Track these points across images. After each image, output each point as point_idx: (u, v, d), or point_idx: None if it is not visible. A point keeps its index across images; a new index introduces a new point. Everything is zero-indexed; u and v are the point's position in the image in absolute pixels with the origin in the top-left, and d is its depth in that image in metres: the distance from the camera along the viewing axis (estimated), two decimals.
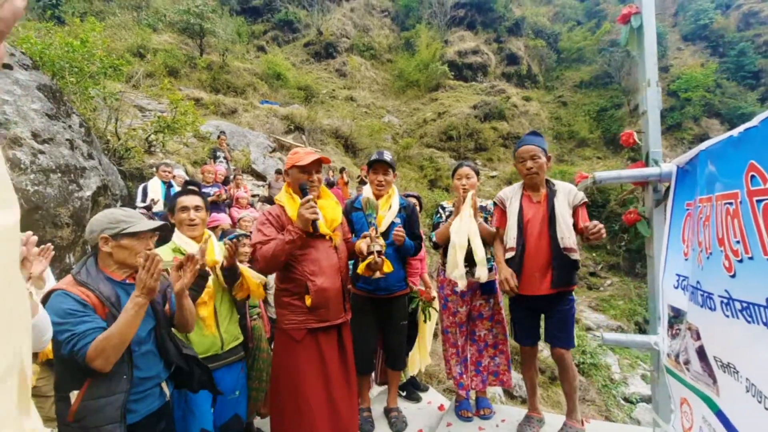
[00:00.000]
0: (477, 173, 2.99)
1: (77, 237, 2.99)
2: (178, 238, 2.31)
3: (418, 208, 3.59)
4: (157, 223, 1.74)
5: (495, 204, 2.80)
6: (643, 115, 1.85)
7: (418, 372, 4.55)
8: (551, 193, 2.50)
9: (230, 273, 2.26)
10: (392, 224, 2.74)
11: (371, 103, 29.09)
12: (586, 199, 2.49)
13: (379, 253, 2.22)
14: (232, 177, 8.15)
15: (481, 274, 2.60)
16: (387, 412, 2.89)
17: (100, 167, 3.60)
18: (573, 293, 2.43)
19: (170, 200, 2.43)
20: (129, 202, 5.18)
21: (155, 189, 5.17)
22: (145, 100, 14.83)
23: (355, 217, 2.73)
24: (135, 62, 19.00)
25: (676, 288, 1.54)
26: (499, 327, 2.80)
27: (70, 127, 3.39)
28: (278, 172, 11.05)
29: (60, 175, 2.98)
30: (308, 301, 2.18)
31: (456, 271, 2.55)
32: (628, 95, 27.99)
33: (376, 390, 3.42)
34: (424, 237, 3.22)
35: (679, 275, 1.54)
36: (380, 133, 24.20)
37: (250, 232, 5.35)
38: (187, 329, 1.91)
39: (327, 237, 2.29)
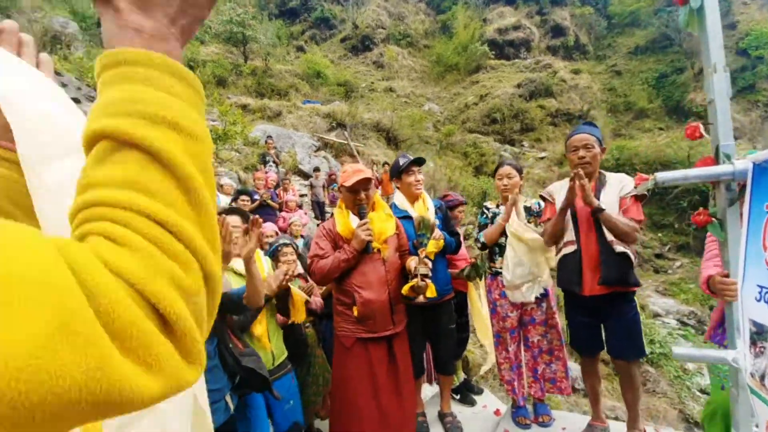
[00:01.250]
0: (520, 171, 2.85)
1: None
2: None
3: (463, 212, 3.56)
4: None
5: (544, 198, 2.67)
6: (710, 104, 1.66)
7: (473, 371, 4.50)
8: (600, 185, 2.35)
9: (281, 298, 2.41)
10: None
11: (410, 92, 28.77)
12: (638, 191, 2.27)
13: (425, 276, 2.17)
14: (280, 181, 8.47)
15: (530, 294, 2.52)
16: (441, 417, 2.90)
17: None
18: (634, 297, 2.25)
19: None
20: None
21: (223, 205, 5.65)
22: None
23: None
24: None
25: (759, 301, 1.39)
26: (553, 332, 2.68)
27: None
28: (316, 170, 11.31)
29: None
30: (355, 311, 2.26)
31: (517, 293, 2.52)
32: (692, 58, 25.32)
33: (429, 391, 3.43)
34: (461, 234, 3.17)
35: (761, 287, 1.39)
36: (421, 123, 23.92)
37: (301, 236, 5.58)
38: (257, 300, 2.00)
39: (375, 250, 2.31)
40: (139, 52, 0.39)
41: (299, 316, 2.49)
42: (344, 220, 2.35)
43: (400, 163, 2.77)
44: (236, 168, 10.13)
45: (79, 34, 15.35)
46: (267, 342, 2.34)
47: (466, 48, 29.64)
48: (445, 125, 25.92)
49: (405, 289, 2.23)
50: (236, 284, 2.36)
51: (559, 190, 2.52)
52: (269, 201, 6.14)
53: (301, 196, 11.50)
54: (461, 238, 2.97)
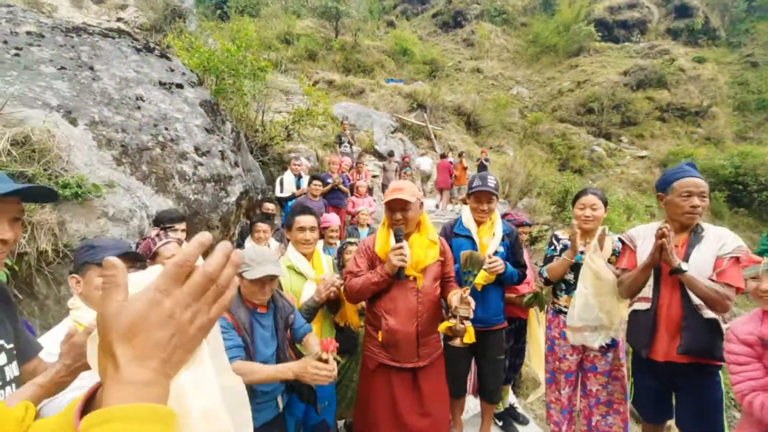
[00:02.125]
0: (605, 203, 2.55)
1: (224, 237, 3.60)
2: (293, 255, 2.53)
3: (529, 234, 3.29)
4: (270, 271, 1.88)
5: (622, 242, 2.37)
6: None
7: (523, 386, 4.32)
8: (694, 239, 2.00)
9: (333, 303, 2.44)
10: (496, 253, 2.55)
11: (499, 74, 27.18)
12: (742, 254, 1.89)
13: (465, 318, 1.96)
14: (354, 164, 8.65)
15: (596, 341, 2.28)
16: None
17: (243, 174, 4.20)
18: (719, 372, 1.94)
19: (287, 218, 2.62)
20: (270, 192, 6.06)
21: (289, 181, 6.02)
22: (289, 84, 16.60)
23: (455, 243, 2.59)
24: (282, 48, 21.31)
25: None
26: (616, 384, 2.44)
27: (222, 139, 4.03)
28: (390, 154, 11.30)
29: (213, 184, 3.59)
30: (380, 336, 2.17)
31: (578, 336, 2.31)
32: None
33: (472, 405, 3.36)
34: (528, 266, 2.87)
35: None
36: (506, 108, 22.59)
37: (368, 225, 5.70)
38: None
39: (411, 278, 2.14)
40: (128, 407, 0.40)
41: (353, 319, 2.53)
42: (383, 239, 2.21)
43: (473, 185, 2.58)
44: (315, 146, 10.56)
45: (193, 7, 16.79)
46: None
47: (569, 28, 26.97)
48: (532, 112, 24.19)
49: (442, 327, 2.05)
50: (297, 282, 2.48)
51: (642, 236, 2.21)
52: (340, 186, 6.33)
53: (374, 177, 11.67)
54: (527, 270, 2.72)
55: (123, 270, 0.48)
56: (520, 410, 3.29)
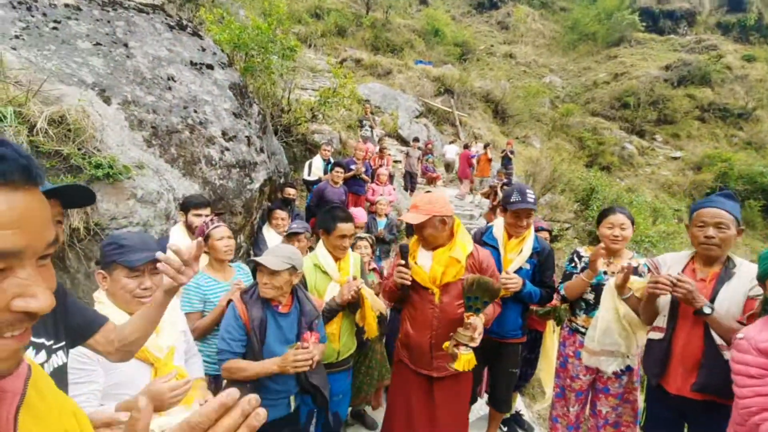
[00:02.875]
0: (633, 222, 2.46)
1: (246, 222, 3.66)
2: (321, 255, 2.48)
3: (548, 241, 3.18)
4: (276, 265, 1.89)
5: (648, 268, 2.30)
6: None
7: (527, 392, 4.34)
8: (725, 275, 1.91)
9: (353, 305, 2.46)
10: (520, 270, 2.50)
11: (532, 60, 26.21)
12: None
13: (462, 345, 1.93)
14: (376, 150, 8.59)
15: (611, 365, 2.25)
16: None
17: (268, 160, 4.23)
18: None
19: (327, 221, 2.48)
20: (293, 175, 6.13)
21: (318, 166, 6.14)
22: (317, 60, 16.44)
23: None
24: (311, 22, 21.02)
25: None
26: (627, 407, 2.42)
27: (249, 124, 4.04)
28: (415, 140, 11.16)
29: (238, 169, 3.63)
30: (401, 336, 2.30)
31: (593, 359, 2.28)
32: None
33: (477, 408, 3.41)
34: (556, 286, 2.80)
35: None
36: (536, 97, 21.85)
37: (386, 215, 5.70)
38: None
39: (430, 291, 2.12)
40: None
41: (372, 326, 2.53)
42: (413, 249, 2.23)
43: (511, 199, 2.46)
44: (339, 127, 10.51)
45: None
46: (337, 340, 2.50)
47: (611, 15, 25.62)
48: (564, 103, 23.34)
49: (445, 345, 2.04)
50: (321, 281, 2.49)
51: (667, 264, 2.13)
52: (362, 176, 6.33)
53: (395, 162, 11.59)
54: (553, 293, 2.63)
55: (148, 412, 0.53)
56: (525, 417, 3.32)
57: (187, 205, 2.86)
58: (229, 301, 2.04)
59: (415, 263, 2.16)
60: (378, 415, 3.16)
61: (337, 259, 2.49)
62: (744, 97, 20.78)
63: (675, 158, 20.09)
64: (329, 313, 2.34)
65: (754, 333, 1.57)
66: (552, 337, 3.13)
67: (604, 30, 25.85)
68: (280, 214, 3.71)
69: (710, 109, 20.94)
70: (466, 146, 11.77)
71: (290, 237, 3.21)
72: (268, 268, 1.88)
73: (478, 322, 1.97)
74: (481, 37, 27.12)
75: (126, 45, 3.91)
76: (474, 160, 11.28)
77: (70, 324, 1.19)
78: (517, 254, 2.50)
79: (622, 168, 19.93)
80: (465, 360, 1.95)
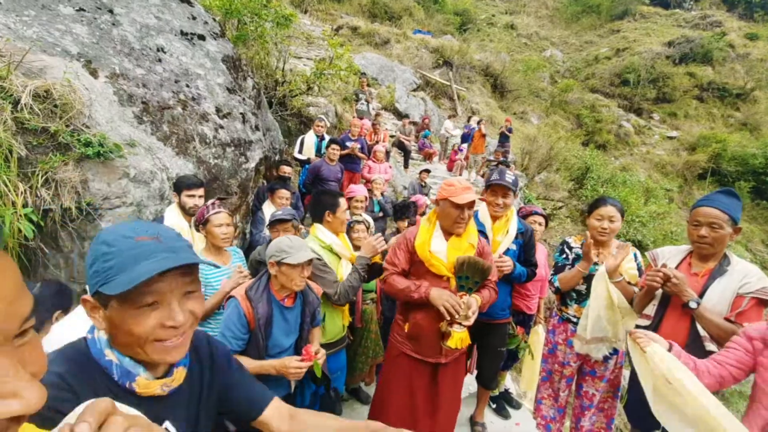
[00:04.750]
0: (623, 215, 2.48)
1: (242, 202, 3.61)
2: (327, 237, 2.45)
3: (543, 226, 3.23)
4: (311, 255, 1.94)
5: (635, 256, 2.35)
6: None
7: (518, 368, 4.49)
8: (717, 271, 1.95)
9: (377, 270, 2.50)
10: (508, 251, 2.53)
11: (534, 32, 25.52)
12: (767, 296, 1.83)
13: (456, 323, 1.96)
14: (371, 124, 8.42)
15: (600, 351, 2.32)
16: (472, 423, 3.01)
17: (263, 138, 4.12)
18: None
19: (329, 202, 2.49)
20: (288, 150, 5.99)
21: (310, 144, 5.95)
22: (312, 28, 15.82)
23: None
24: None
25: None
26: (610, 388, 2.52)
27: (243, 100, 3.91)
28: (406, 116, 10.96)
29: (233, 148, 3.54)
30: (406, 327, 2.21)
31: (585, 347, 2.33)
32: None
33: (467, 384, 3.51)
34: (544, 263, 2.86)
35: None
36: (536, 71, 21.45)
37: (382, 194, 5.67)
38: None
39: (445, 278, 2.11)
40: None
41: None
42: (425, 235, 2.14)
43: (491, 177, 2.54)
44: (335, 100, 10.25)
45: None
46: (347, 316, 2.63)
47: None
48: (563, 78, 22.94)
49: (443, 325, 2.05)
50: (332, 262, 2.48)
51: (666, 257, 2.17)
52: (358, 153, 6.24)
53: (391, 136, 11.41)
54: (536, 269, 2.70)
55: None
56: (514, 395, 3.45)
57: (179, 186, 2.80)
58: (230, 297, 2.01)
59: (429, 252, 2.13)
60: (371, 390, 3.26)
61: (338, 234, 2.53)
62: (744, 77, 20.59)
63: (671, 138, 20.07)
64: (365, 272, 2.39)
65: (754, 325, 1.65)
66: (537, 336, 3.24)
67: (609, 2, 25.14)
68: (285, 193, 3.67)
69: (709, 89, 20.77)
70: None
71: (276, 224, 2.83)
72: (302, 263, 1.89)
73: (472, 301, 2.01)
74: (482, 6, 26.24)
75: (111, 11, 3.70)
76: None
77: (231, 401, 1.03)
78: (505, 236, 2.52)
79: (618, 147, 19.90)
80: (458, 338, 2.00)
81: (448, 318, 1.98)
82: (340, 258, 2.51)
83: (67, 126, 2.74)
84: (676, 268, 2.10)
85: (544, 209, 3.44)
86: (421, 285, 2.08)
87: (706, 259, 2.04)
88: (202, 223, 2.36)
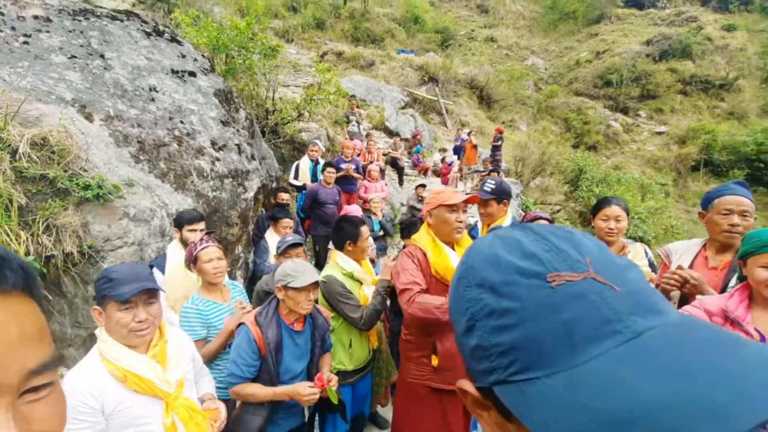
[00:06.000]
0: (627, 212, 2.48)
1: (243, 233, 3.61)
2: (347, 264, 2.44)
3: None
4: (316, 278, 1.93)
5: (646, 253, 2.33)
6: None
7: None
8: (736, 264, 1.92)
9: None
10: None
11: (514, 43, 26.14)
12: None
13: None
14: (364, 144, 8.52)
15: None
16: None
17: (260, 167, 4.15)
18: None
19: (350, 232, 2.48)
20: (285, 177, 6.03)
21: (305, 169, 6.00)
22: (297, 56, 16.18)
23: None
24: (289, 16, 20.61)
25: None
26: None
27: (238, 131, 3.95)
28: (396, 134, 11.13)
29: (231, 179, 3.56)
30: (435, 361, 2.00)
31: None
32: None
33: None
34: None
35: None
36: (520, 80, 21.87)
37: (381, 212, 5.67)
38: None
39: None
40: None
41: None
42: (440, 254, 2.03)
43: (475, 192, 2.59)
44: (326, 124, 10.39)
45: None
46: (375, 340, 2.62)
47: None
48: (547, 85, 23.39)
49: None
50: (353, 288, 2.43)
51: (679, 252, 2.15)
52: (353, 174, 6.28)
53: (384, 154, 11.52)
54: None
55: None
56: None
57: (180, 221, 2.80)
58: (239, 324, 1.99)
59: (450, 267, 2.01)
60: (387, 413, 3.18)
61: (359, 261, 2.52)
62: (725, 68, 21.03)
63: (659, 133, 20.34)
64: (386, 291, 2.38)
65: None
66: None
67: (584, 7, 25.86)
68: (288, 222, 3.65)
69: (692, 82, 21.18)
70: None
71: (289, 249, 2.80)
72: (308, 284, 1.88)
73: None
74: (461, 22, 26.93)
75: (102, 56, 3.78)
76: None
77: None
78: None
79: (608, 146, 20.13)
80: None
81: None
82: (361, 284, 2.49)
83: (65, 171, 2.76)
84: (691, 263, 2.06)
85: (551, 219, 3.40)
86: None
87: (724, 250, 2.00)
88: (192, 262, 2.25)
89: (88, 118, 3.22)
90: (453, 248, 2.12)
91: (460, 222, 2.06)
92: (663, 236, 12.07)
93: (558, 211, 12.26)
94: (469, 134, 11.14)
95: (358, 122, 9.95)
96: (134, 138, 3.26)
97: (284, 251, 2.77)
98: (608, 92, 22.33)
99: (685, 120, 20.18)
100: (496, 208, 2.62)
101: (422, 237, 2.16)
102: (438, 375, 2.03)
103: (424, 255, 2.08)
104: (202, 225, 2.87)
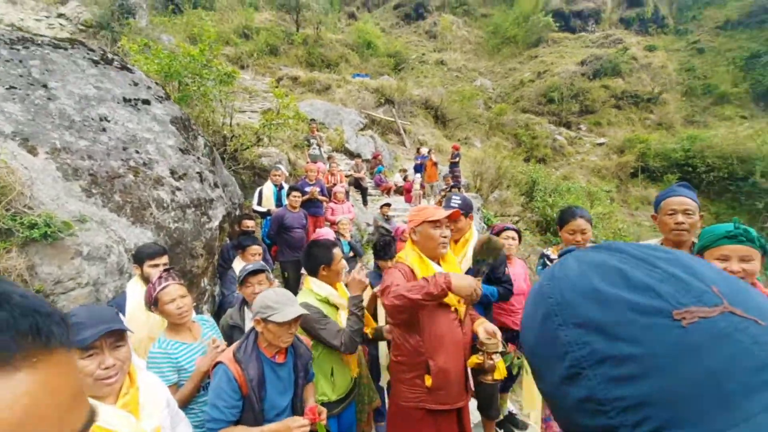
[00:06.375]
0: (591, 223, 2.62)
1: (209, 264, 3.43)
2: (322, 289, 2.34)
3: (517, 240, 3.27)
4: (300, 311, 1.83)
5: None
6: None
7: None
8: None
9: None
10: (469, 272, 2.32)
11: (462, 65, 27.51)
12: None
13: (495, 353, 1.82)
14: (327, 167, 8.51)
15: None
16: None
17: (224, 195, 4.01)
18: None
19: (323, 255, 2.39)
20: (248, 203, 5.85)
21: (268, 195, 5.85)
22: (251, 82, 16.03)
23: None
24: (240, 43, 20.50)
25: None
26: None
27: (198, 159, 3.81)
28: (357, 156, 11.22)
29: (194, 209, 3.40)
30: (428, 381, 1.94)
31: None
32: None
33: (471, 410, 3.42)
34: (524, 277, 2.92)
35: None
36: (471, 100, 22.93)
37: (351, 235, 5.62)
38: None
39: (452, 308, 1.98)
40: None
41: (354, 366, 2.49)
42: (426, 268, 2.05)
43: (444, 206, 2.57)
44: (286, 148, 10.29)
45: (143, 1, 15.77)
46: (355, 366, 2.48)
47: (528, 18, 27.64)
48: (496, 103, 24.69)
49: (471, 363, 1.91)
50: (330, 314, 2.35)
51: None
52: (318, 197, 6.22)
53: (347, 176, 11.55)
54: (509, 285, 2.69)
55: None
56: (519, 417, 3.39)
57: (140, 257, 2.61)
58: (217, 363, 1.85)
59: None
60: None
61: (334, 285, 2.42)
62: (650, 83, 23.22)
63: (600, 144, 21.92)
64: (360, 309, 2.24)
65: None
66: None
67: (523, 32, 27.79)
68: (256, 249, 3.53)
69: (623, 97, 23.16)
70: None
71: (249, 277, 2.56)
72: (291, 319, 1.78)
73: (486, 326, 1.95)
74: (412, 47, 28.01)
75: (45, 86, 3.55)
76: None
77: None
78: (463, 257, 2.54)
79: (556, 158, 21.41)
80: (501, 367, 1.89)
81: (493, 344, 1.84)
82: (338, 309, 2.40)
83: (6, 210, 2.51)
84: None
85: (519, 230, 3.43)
86: (434, 277, 1.83)
87: (679, 247, 2.17)
88: (152, 304, 2.05)
89: (32, 151, 2.98)
90: (438, 263, 2.13)
91: (445, 237, 2.08)
92: (613, 239, 12.85)
93: (517, 222, 12.76)
94: (429, 152, 11.44)
95: (319, 145, 9.95)
96: (85, 171, 3.05)
97: (244, 280, 2.59)
98: (551, 108, 23.89)
99: (621, 131, 21.93)
100: (464, 223, 2.67)
101: (408, 254, 2.16)
102: (432, 396, 1.97)
103: (412, 271, 2.07)
104: (164, 259, 2.70)
